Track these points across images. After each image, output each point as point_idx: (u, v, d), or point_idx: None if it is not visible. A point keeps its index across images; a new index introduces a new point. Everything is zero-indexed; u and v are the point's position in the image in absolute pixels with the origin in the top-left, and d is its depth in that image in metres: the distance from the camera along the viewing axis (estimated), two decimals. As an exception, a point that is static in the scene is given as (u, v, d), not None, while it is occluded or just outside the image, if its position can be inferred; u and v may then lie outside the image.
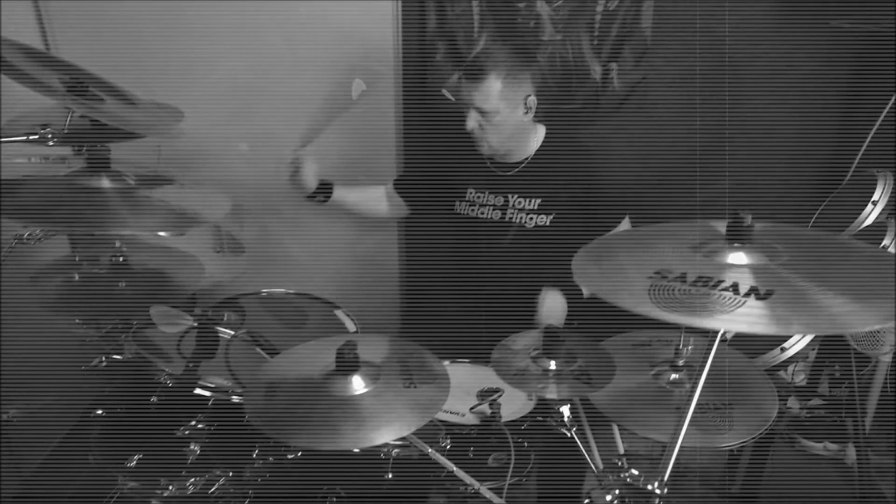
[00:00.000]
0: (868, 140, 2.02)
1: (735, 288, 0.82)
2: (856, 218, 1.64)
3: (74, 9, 2.12)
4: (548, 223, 1.78)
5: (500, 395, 1.38)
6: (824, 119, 2.22)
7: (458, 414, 1.41)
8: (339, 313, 1.84)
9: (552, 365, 1.22)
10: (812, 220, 1.93)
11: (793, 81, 2.19)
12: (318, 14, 2.11)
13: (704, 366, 0.89)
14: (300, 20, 2.12)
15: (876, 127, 2.00)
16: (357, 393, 1.10)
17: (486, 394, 1.41)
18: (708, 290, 0.82)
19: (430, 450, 1.15)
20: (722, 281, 0.84)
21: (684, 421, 0.88)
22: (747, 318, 0.77)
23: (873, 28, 1.92)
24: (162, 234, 1.78)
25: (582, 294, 1.72)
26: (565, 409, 1.19)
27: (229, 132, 2.17)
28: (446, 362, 1.57)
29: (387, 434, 1.05)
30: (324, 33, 2.13)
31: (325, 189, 1.89)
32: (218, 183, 1.43)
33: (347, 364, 1.10)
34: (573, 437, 1.19)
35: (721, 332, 0.88)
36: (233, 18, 2.12)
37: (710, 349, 0.89)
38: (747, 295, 0.80)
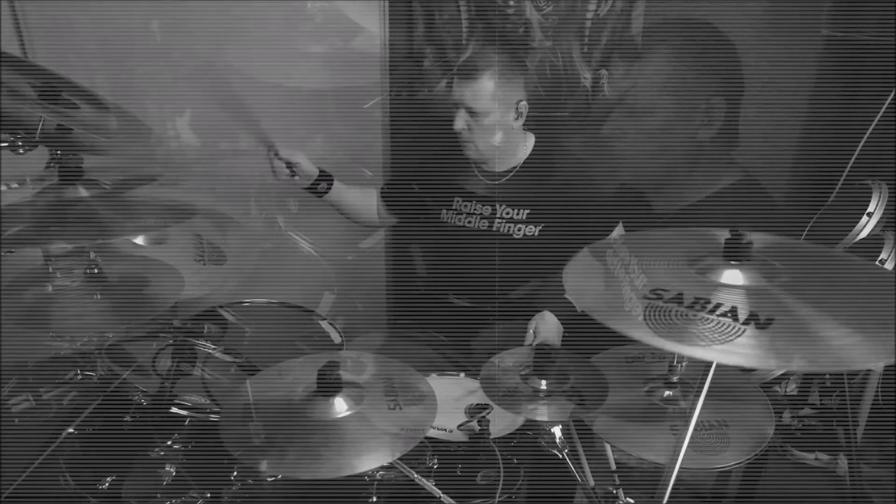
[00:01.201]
0: (859, 149, 2.00)
1: (734, 314, 0.78)
2: (850, 230, 1.61)
3: (55, 8, 2.06)
4: (536, 234, 1.75)
5: (490, 412, 1.34)
6: (816, 128, 2.20)
7: (445, 430, 1.37)
8: (324, 324, 1.79)
9: (543, 385, 1.18)
10: (804, 233, 1.91)
11: (784, 90, 2.17)
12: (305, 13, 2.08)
13: (702, 390, 0.86)
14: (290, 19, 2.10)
15: (866, 136, 1.98)
16: (339, 416, 1.06)
17: (474, 409, 1.37)
18: (706, 315, 0.78)
19: (415, 475, 1.11)
20: (720, 304, 0.80)
21: (681, 448, 0.84)
22: (746, 349, 0.73)
23: (865, 38, 1.91)
24: (141, 242, 1.73)
25: (574, 307, 1.68)
26: (557, 430, 1.16)
27: (223, 136, 2.14)
28: (433, 374, 1.54)
29: (370, 461, 1.01)
30: (312, 33, 2.10)
31: (326, 177, 1.85)
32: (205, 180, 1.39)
33: (329, 386, 1.06)
34: (565, 459, 1.15)
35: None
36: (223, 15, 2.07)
37: (706, 373, 0.86)
38: (746, 322, 0.76)
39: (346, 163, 2.22)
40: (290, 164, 1.76)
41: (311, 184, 1.82)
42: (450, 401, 1.42)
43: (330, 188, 1.85)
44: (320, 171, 1.83)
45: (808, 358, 0.72)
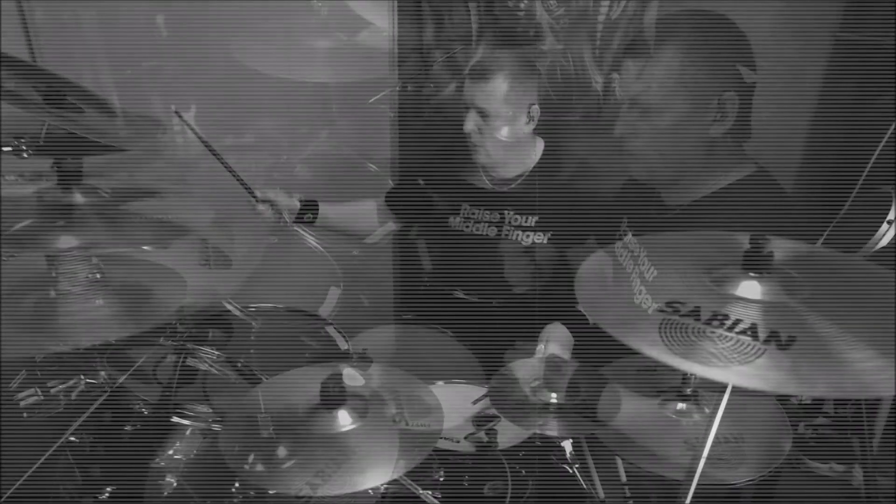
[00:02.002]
0: (875, 156, 1.96)
1: (754, 331, 0.74)
2: (869, 239, 1.57)
3: (60, 5, 2.05)
4: (545, 241, 1.72)
5: (498, 422, 1.31)
6: (824, 129, 2.16)
7: (452, 440, 1.35)
8: (331, 330, 1.77)
9: (553, 398, 1.15)
10: (820, 242, 1.86)
11: (796, 92, 2.13)
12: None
13: (718, 408, 0.83)
14: (295, 14, 2.08)
15: (884, 142, 1.94)
16: (343, 430, 1.03)
17: (482, 420, 1.34)
18: (724, 333, 0.74)
19: (421, 491, 1.08)
20: (740, 321, 0.76)
21: (697, 468, 0.81)
22: (766, 371, 0.69)
23: (882, 40, 1.87)
24: (146, 248, 1.71)
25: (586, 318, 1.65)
26: (567, 445, 1.13)
27: (228, 132, 2.12)
28: (440, 382, 1.51)
29: (375, 477, 0.98)
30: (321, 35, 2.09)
31: (311, 206, 1.81)
32: (209, 186, 1.37)
33: (332, 399, 1.04)
34: (575, 474, 1.13)
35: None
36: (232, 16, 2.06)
37: (722, 393, 0.82)
38: (767, 342, 0.72)
39: (351, 158, 2.21)
40: (270, 203, 1.72)
41: (297, 216, 1.79)
42: (458, 409, 1.40)
43: (316, 217, 1.82)
44: (304, 201, 1.79)
45: (832, 383, 0.68)
